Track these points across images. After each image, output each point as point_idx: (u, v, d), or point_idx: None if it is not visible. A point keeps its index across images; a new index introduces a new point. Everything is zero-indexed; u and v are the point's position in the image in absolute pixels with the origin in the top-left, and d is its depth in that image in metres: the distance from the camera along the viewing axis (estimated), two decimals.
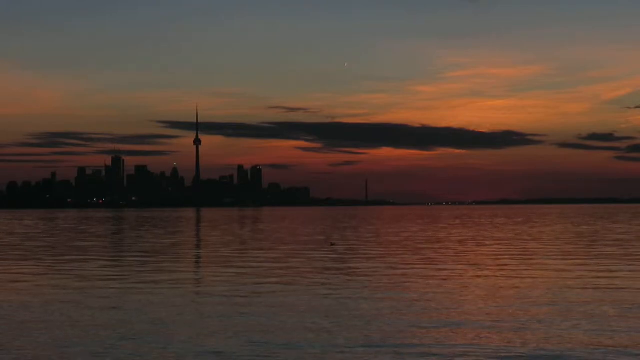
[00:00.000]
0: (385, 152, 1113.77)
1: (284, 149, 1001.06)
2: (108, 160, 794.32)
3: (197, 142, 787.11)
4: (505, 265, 46.63)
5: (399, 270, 43.55)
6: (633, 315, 26.07)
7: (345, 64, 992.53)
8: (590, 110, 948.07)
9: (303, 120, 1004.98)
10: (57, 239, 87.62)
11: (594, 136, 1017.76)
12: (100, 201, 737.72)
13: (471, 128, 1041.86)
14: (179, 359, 20.02)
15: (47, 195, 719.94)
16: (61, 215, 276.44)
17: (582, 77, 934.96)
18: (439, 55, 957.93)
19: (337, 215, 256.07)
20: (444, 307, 28.47)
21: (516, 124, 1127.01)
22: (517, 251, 59.26)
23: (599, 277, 38.56)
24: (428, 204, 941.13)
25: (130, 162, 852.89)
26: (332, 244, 71.32)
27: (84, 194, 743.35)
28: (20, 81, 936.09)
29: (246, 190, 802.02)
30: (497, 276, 39.67)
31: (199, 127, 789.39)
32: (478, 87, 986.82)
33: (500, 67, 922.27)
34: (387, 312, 27.28)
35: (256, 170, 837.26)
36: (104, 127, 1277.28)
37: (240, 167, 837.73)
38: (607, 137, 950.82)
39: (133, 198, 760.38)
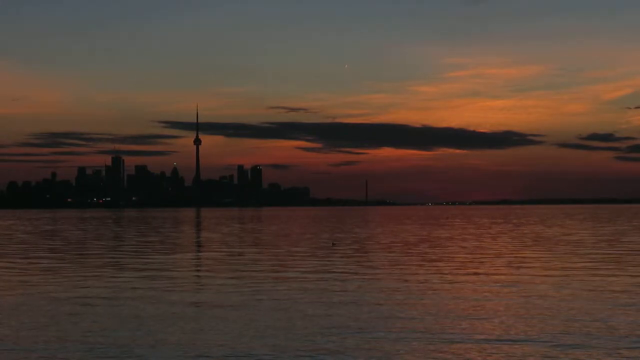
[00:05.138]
0: (386, 152, 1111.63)
1: (284, 149, 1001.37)
2: (108, 160, 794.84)
3: (197, 142, 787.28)
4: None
5: (398, 269, 43.46)
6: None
7: (346, 66, 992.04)
8: (590, 110, 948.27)
9: (303, 120, 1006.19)
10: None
11: (594, 136, 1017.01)
12: (101, 201, 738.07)
13: (471, 128, 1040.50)
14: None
15: (47, 195, 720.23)
16: (49, 216, 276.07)
17: (582, 77, 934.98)
18: (439, 55, 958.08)
19: (337, 215, 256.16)
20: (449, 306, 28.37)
21: (516, 124, 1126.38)
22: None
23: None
24: (428, 204, 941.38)
25: (130, 162, 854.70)
26: (334, 244, 71.17)
27: (84, 194, 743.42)
28: (20, 81, 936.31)
29: (246, 190, 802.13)
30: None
31: (199, 127, 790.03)
32: (478, 87, 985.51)
33: (500, 67, 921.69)
34: (389, 310, 27.14)
35: (256, 170, 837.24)
36: (104, 127, 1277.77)
37: (240, 167, 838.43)
38: (607, 137, 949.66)
39: (133, 198, 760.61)
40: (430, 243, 72.54)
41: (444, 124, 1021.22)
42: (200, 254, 62.06)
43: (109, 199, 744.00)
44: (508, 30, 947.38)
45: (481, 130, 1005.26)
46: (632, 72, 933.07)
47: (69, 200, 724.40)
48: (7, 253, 63.47)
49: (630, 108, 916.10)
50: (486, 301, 30.10)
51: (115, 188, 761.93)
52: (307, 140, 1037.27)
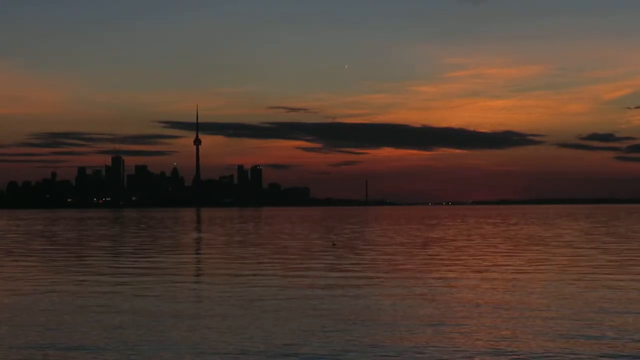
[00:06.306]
0: (386, 152, 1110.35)
1: (284, 149, 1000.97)
2: (108, 160, 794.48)
3: (197, 142, 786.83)
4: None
5: (399, 269, 43.56)
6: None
7: (346, 66, 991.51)
8: (590, 110, 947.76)
9: (303, 120, 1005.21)
10: None
11: (594, 136, 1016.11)
12: (101, 201, 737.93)
13: (471, 128, 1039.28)
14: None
15: (47, 195, 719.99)
16: (48, 216, 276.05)
17: (582, 77, 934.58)
18: (439, 55, 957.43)
19: (337, 215, 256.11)
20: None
21: (516, 124, 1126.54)
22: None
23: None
24: (428, 204, 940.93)
25: (130, 162, 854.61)
26: (334, 244, 71.21)
27: (84, 194, 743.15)
28: (20, 81, 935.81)
29: (246, 190, 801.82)
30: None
31: (199, 127, 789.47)
32: (478, 87, 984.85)
33: (500, 67, 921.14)
34: (388, 312, 27.23)
35: (256, 170, 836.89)
36: (104, 127, 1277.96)
37: (240, 167, 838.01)
38: (607, 137, 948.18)
39: (133, 198, 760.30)
40: (428, 244, 72.68)
41: (444, 124, 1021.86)
42: (199, 254, 62.10)
43: (109, 199, 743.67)
44: (508, 30, 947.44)
45: (481, 130, 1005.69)
46: (632, 72, 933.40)
47: (69, 200, 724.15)
48: (10, 253, 63.58)
49: (630, 108, 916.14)
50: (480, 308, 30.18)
51: (115, 188, 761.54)
52: (307, 140, 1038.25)
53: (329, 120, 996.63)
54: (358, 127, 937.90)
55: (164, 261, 52.80)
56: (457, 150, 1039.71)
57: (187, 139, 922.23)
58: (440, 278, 39.03)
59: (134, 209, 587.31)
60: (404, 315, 26.67)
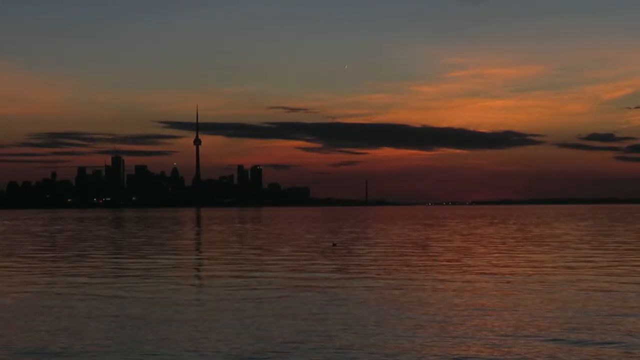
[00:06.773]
0: (386, 152, 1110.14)
1: (284, 149, 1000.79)
2: (108, 160, 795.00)
3: (197, 142, 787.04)
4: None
5: (398, 269, 43.58)
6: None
7: (346, 66, 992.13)
8: (590, 110, 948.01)
9: (303, 120, 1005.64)
10: None
11: (594, 136, 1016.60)
12: (101, 201, 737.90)
13: (471, 128, 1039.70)
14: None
15: (47, 195, 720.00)
16: (47, 216, 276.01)
17: (582, 77, 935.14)
18: (439, 55, 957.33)
19: (337, 215, 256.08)
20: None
21: (516, 124, 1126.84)
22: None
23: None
24: (428, 204, 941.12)
25: (130, 162, 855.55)
26: (334, 245, 71.20)
27: (84, 194, 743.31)
28: (20, 81, 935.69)
29: (246, 190, 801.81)
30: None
31: (199, 127, 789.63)
32: (478, 87, 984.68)
33: (500, 67, 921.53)
34: (387, 313, 27.26)
35: (256, 170, 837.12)
36: (104, 127, 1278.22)
37: (240, 167, 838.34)
38: (607, 137, 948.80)
39: (133, 198, 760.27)
40: (428, 245, 72.70)
41: (444, 124, 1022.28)
42: (199, 254, 62.11)
43: (109, 199, 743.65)
44: (508, 30, 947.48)
45: (481, 130, 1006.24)
46: (632, 72, 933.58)
47: (69, 200, 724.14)
48: (17, 254, 63.59)
49: (630, 108, 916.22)
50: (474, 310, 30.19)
51: (115, 188, 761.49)
52: (307, 140, 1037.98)
53: (329, 120, 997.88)
54: (358, 127, 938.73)
55: (163, 261, 52.83)
56: (457, 150, 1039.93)
57: (187, 139, 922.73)
58: (439, 279, 39.08)
59: (134, 209, 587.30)
60: (404, 315, 26.71)
